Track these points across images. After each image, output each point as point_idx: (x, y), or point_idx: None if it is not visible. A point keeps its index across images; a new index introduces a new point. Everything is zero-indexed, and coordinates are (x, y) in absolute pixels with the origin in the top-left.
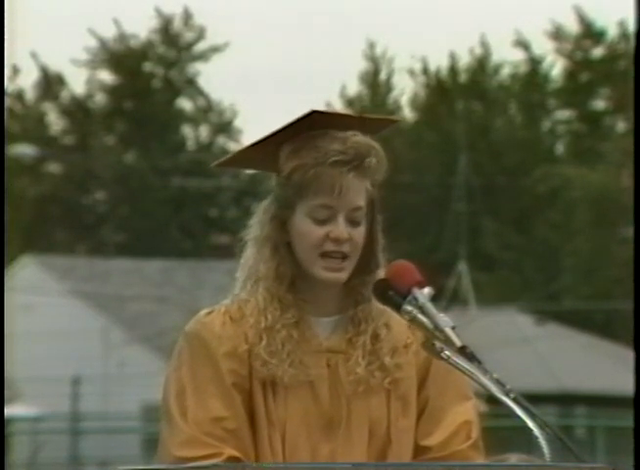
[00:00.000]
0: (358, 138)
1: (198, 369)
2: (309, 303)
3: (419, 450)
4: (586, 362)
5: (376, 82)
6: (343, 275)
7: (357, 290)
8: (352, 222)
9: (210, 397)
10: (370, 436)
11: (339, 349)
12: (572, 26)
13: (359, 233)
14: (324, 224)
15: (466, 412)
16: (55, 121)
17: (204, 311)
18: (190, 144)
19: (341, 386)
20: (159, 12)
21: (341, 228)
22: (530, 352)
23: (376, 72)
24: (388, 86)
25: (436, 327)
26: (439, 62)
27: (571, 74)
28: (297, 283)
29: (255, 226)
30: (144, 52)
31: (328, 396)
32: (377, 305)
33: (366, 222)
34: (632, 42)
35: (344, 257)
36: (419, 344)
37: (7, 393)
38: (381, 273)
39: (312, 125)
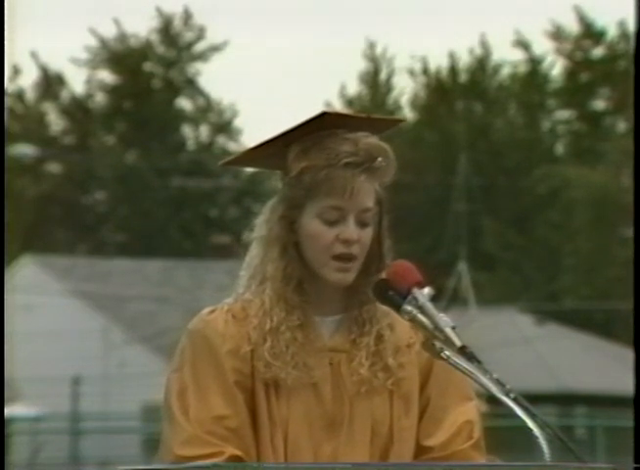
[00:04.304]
0: (369, 140)
1: (200, 367)
2: (314, 303)
3: (421, 450)
4: (586, 362)
5: (376, 82)
6: (350, 276)
7: (362, 290)
8: (361, 224)
9: (212, 395)
10: (372, 435)
11: (342, 348)
12: (572, 26)
13: (367, 235)
14: (334, 226)
15: (467, 412)
16: (55, 121)
17: (206, 310)
18: (190, 144)
19: (343, 385)
20: (159, 12)
21: (351, 230)
22: (530, 352)
23: (376, 72)
24: (388, 86)
25: (436, 327)
26: (439, 62)
27: (571, 74)
28: (303, 284)
29: (262, 225)
30: (144, 52)
31: (330, 395)
32: (381, 306)
33: (374, 223)
34: (632, 42)
35: (352, 258)
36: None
37: (7, 393)
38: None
39: (321, 126)
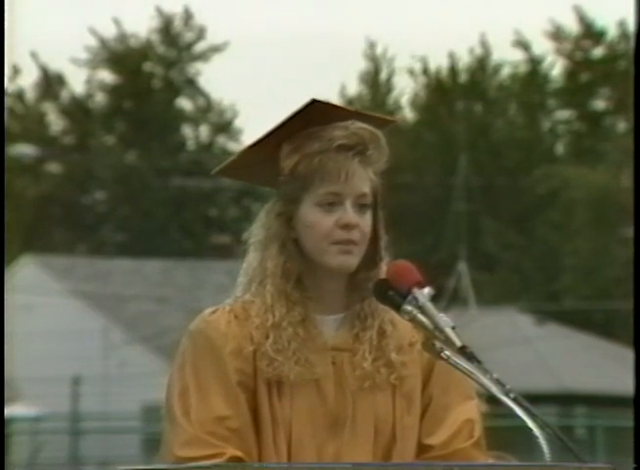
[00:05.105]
0: (360, 124)
1: (201, 367)
2: (315, 300)
3: (422, 449)
4: (586, 362)
5: (376, 82)
6: (353, 260)
7: (362, 285)
8: (359, 209)
9: (214, 395)
10: (375, 434)
11: (345, 346)
12: (572, 26)
13: (366, 221)
14: (332, 212)
15: (468, 411)
16: (55, 121)
17: (208, 310)
18: (190, 144)
19: (346, 383)
20: (159, 12)
21: (349, 214)
22: (530, 352)
23: (376, 72)
24: (389, 86)
25: (436, 327)
26: (439, 62)
27: (571, 74)
28: (303, 280)
29: (258, 230)
30: (144, 52)
31: (333, 394)
32: None
33: (370, 213)
34: (632, 42)
35: (353, 244)
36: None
37: (7, 393)
38: (383, 269)
39: (310, 120)
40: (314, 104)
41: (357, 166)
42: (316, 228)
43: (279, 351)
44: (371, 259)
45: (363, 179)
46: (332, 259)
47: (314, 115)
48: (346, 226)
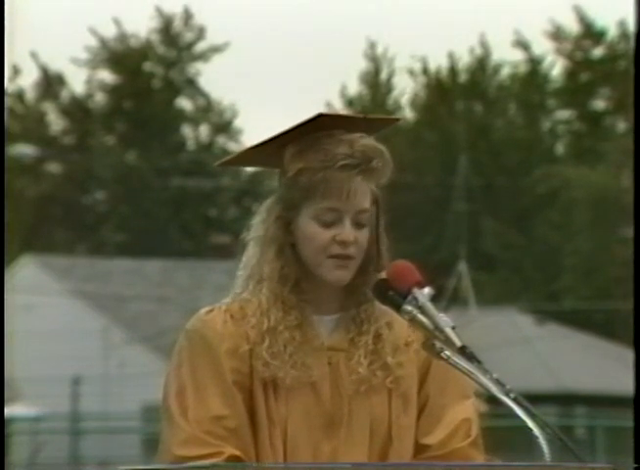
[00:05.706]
0: (365, 141)
1: (198, 367)
2: (312, 302)
3: (419, 448)
4: (586, 362)
5: (376, 82)
6: (348, 275)
7: (360, 289)
8: (358, 225)
9: (211, 395)
10: (371, 434)
11: (340, 347)
12: (572, 26)
13: (364, 235)
14: (330, 227)
15: (465, 410)
16: (55, 121)
17: (204, 310)
18: (190, 144)
19: (342, 384)
20: (159, 12)
21: (347, 231)
22: (530, 351)
23: (376, 72)
24: (389, 86)
25: (436, 327)
26: (439, 62)
27: (571, 74)
28: (300, 284)
29: (258, 226)
30: (144, 52)
31: (329, 394)
32: (379, 306)
33: (371, 223)
34: (632, 42)
35: (349, 259)
36: (420, 342)
37: (7, 393)
38: (382, 273)
39: (317, 127)
40: (320, 118)
41: (360, 183)
42: (313, 241)
43: (275, 355)
44: (369, 265)
45: (365, 194)
46: (327, 273)
47: (321, 121)
48: (343, 243)
